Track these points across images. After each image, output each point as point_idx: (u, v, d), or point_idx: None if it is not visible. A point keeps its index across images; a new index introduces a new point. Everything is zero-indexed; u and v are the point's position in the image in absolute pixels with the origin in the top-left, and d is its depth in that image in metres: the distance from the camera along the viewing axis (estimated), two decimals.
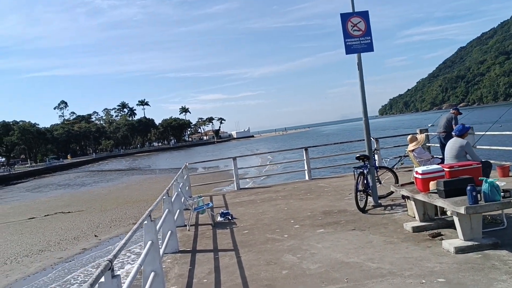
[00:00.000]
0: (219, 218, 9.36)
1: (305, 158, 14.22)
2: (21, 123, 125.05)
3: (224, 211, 9.55)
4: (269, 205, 10.57)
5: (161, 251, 6.17)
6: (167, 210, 6.82)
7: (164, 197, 6.96)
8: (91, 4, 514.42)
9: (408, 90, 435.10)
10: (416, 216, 6.99)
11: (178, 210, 8.80)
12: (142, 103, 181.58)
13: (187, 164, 13.70)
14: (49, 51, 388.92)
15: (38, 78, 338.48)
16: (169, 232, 6.76)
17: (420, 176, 6.48)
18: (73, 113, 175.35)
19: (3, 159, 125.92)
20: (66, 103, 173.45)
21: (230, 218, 9.27)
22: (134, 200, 28.51)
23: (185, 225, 9.01)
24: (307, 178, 14.38)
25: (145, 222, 4.80)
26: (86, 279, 12.93)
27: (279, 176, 23.42)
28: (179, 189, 8.92)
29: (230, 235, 7.85)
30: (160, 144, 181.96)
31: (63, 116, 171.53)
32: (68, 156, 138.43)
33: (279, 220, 8.71)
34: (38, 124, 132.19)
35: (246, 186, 14.49)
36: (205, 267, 6.20)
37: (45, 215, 26.25)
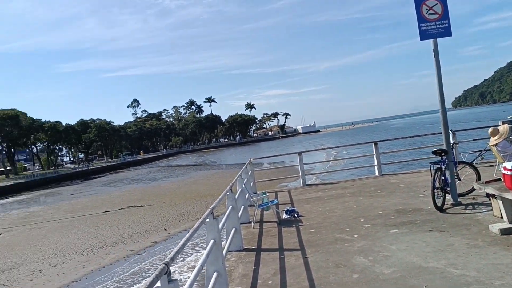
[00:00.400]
0: (284, 216, 9.05)
1: (374, 153, 13.50)
2: (97, 121, 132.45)
3: (290, 208, 9.21)
4: (337, 203, 10.10)
5: (225, 249, 5.98)
6: (230, 207, 6.63)
7: (228, 193, 6.77)
8: (160, 5, 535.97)
9: (485, 80, 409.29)
10: (504, 217, 6.22)
11: (242, 207, 8.61)
12: (209, 100, 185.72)
13: (251, 159, 13.54)
14: (124, 51, 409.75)
15: (113, 78, 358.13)
16: (233, 229, 6.56)
17: (509, 173, 5.75)
18: (145, 111, 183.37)
19: (82, 155, 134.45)
20: (138, 101, 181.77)
21: (296, 215, 8.93)
22: (201, 195, 28.92)
23: (250, 222, 8.81)
24: (376, 174, 13.67)
25: (207, 220, 4.61)
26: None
27: (347, 172, 22.59)
28: (243, 185, 8.73)
29: (296, 234, 7.52)
30: (226, 140, 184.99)
31: (135, 114, 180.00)
32: (141, 152, 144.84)
33: (348, 219, 8.25)
34: (113, 122, 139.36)
35: (312, 182, 14.04)
36: (270, 267, 5.92)
37: (119, 209, 27.38)
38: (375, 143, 13.60)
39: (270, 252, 6.59)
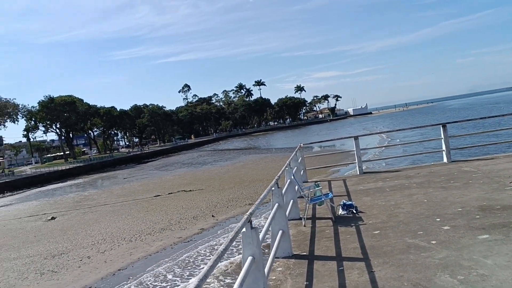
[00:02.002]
0: (340, 211, 7.75)
1: (442, 136, 11.71)
2: (150, 106, 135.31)
3: (347, 202, 7.87)
4: (402, 195, 8.62)
5: (271, 256, 4.88)
6: (276, 205, 5.46)
7: (273, 188, 5.60)
8: None
9: None
10: None
11: (291, 201, 7.41)
12: (258, 83, 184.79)
13: (301, 144, 12.18)
14: (175, 37, 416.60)
15: (165, 64, 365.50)
16: (280, 232, 5.40)
17: None
18: (195, 95, 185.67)
19: (137, 139, 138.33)
20: (189, 86, 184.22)
21: (354, 211, 7.62)
22: (250, 179, 28.32)
23: (300, 218, 7.59)
24: (445, 160, 11.92)
25: (244, 230, 3.50)
26: (202, 263, 12.53)
27: (408, 158, 20.80)
28: (292, 176, 7.49)
29: (357, 236, 6.23)
30: (275, 123, 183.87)
31: (186, 99, 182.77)
32: (192, 136, 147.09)
33: (419, 217, 6.80)
34: (164, 107, 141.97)
35: (370, 170, 12.54)
36: (326, 284, 4.70)
37: (169, 193, 27.39)
38: (444, 125, 11.76)
39: (325, 261, 5.34)
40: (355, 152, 12.13)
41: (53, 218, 24.46)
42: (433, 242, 5.49)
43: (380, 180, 10.71)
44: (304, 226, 7.25)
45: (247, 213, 3.56)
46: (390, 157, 18.51)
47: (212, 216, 18.16)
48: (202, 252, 13.48)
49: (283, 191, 6.40)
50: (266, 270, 4.24)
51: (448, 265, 4.68)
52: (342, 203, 7.86)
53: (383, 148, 29.63)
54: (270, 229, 5.19)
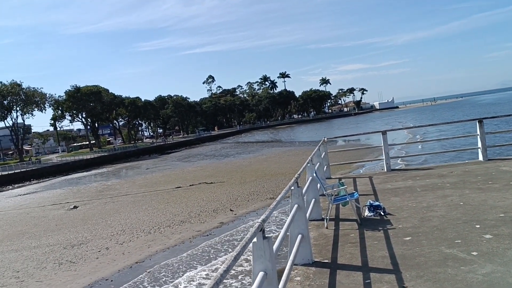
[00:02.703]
0: (366, 213, 7.10)
1: (478, 132, 10.82)
2: (174, 97, 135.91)
3: (374, 203, 7.20)
4: (434, 196, 7.89)
5: (289, 263, 4.34)
6: (296, 206, 4.88)
7: (292, 187, 5.03)
8: None
9: None
10: None
11: (313, 200, 6.82)
12: (283, 75, 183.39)
13: (325, 139, 11.50)
14: (201, 29, 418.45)
15: (190, 56, 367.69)
16: (299, 236, 4.83)
17: None
18: (220, 87, 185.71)
19: (161, 130, 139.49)
20: (213, 77, 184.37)
21: (382, 213, 6.95)
22: (272, 173, 27.95)
23: (322, 219, 6.99)
24: (481, 158, 11.08)
25: (254, 240, 2.96)
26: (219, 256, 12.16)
27: (439, 156, 19.83)
28: (314, 173, 6.88)
29: (385, 243, 5.58)
30: (300, 116, 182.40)
31: (210, 90, 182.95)
32: (215, 128, 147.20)
33: (455, 223, 6.10)
34: (188, 98, 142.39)
35: (398, 167, 11.74)
36: None
37: (190, 185, 27.30)
38: (480, 121, 10.85)
39: (350, 271, 4.72)
40: (383, 147, 11.39)
41: (75, 207, 24.66)
42: (474, 253, 4.80)
43: (409, 179, 9.96)
44: (327, 228, 6.63)
45: (259, 220, 3.02)
46: (419, 154, 17.58)
47: (231, 210, 17.85)
48: (217, 247, 13.20)
49: (304, 190, 5.83)
50: (283, 280, 3.71)
51: (494, 283, 4.00)
52: (368, 204, 7.20)
53: (412, 144, 28.57)
54: (288, 233, 4.63)
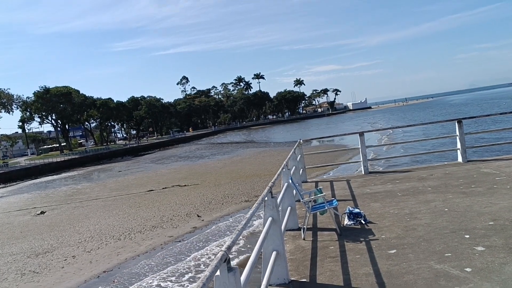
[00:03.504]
0: (346, 221, 6.58)
1: (457, 133, 10.48)
2: (148, 98, 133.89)
3: (354, 210, 6.70)
4: (416, 201, 7.45)
5: (263, 283, 3.78)
6: (269, 219, 4.30)
7: (266, 198, 4.46)
8: None
9: None
10: None
11: (288, 208, 6.26)
12: (258, 76, 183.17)
13: (301, 141, 10.98)
14: (175, 29, 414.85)
15: (164, 56, 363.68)
16: (274, 253, 4.25)
17: None
18: (194, 88, 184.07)
19: (135, 131, 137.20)
20: (187, 78, 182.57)
21: (363, 221, 6.45)
22: (247, 174, 27.66)
23: (299, 229, 6.44)
24: (460, 160, 10.77)
25: (218, 273, 2.37)
26: (194, 267, 11.57)
27: (417, 158, 19.71)
28: (290, 180, 6.32)
29: (368, 257, 5.06)
30: (274, 116, 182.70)
31: (185, 91, 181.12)
32: (190, 129, 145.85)
33: (442, 232, 5.63)
34: (162, 99, 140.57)
35: (376, 170, 11.30)
36: None
37: (163, 188, 26.73)
38: (459, 121, 10.55)
39: None
40: (360, 149, 10.96)
41: (42, 212, 23.74)
42: (468, 269, 4.31)
43: (388, 182, 9.53)
44: (304, 239, 6.06)
45: (224, 248, 2.43)
46: (397, 156, 17.32)
47: (198, 216, 17.31)
48: (188, 253, 12.53)
49: (279, 199, 5.28)
50: None
51: None
52: (348, 211, 6.69)
53: (389, 146, 28.42)
54: (262, 250, 4.06)
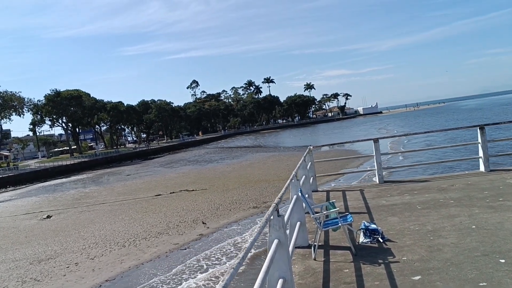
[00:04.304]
0: (362, 238, 5.93)
1: (480, 140, 9.75)
2: (158, 101, 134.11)
3: (370, 226, 6.02)
4: (438, 216, 6.75)
5: None
6: (275, 242, 3.64)
7: (272, 216, 3.83)
8: None
9: None
10: None
11: (298, 223, 5.64)
12: (268, 80, 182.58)
13: (311, 147, 10.33)
14: (185, 34, 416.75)
15: (174, 60, 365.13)
16: (280, 281, 3.64)
17: None
18: (204, 92, 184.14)
19: (145, 135, 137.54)
20: (197, 82, 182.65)
21: (380, 239, 5.79)
22: (256, 179, 27.26)
23: (309, 246, 5.80)
24: (482, 169, 10.04)
25: None
26: (196, 276, 11.05)
27: (434, 167, 18.63)
28: (299, 193, 5.67)
29: (389, 284, 4.40)
30: (284, 121, 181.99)
31: (195, 95, 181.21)
32: (200, 133, 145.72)
33: (472, 255, 4.95)
34: (172, 103, 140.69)
35: (392, 178, 10.56)
36: None
37: (170, 192, 26.45)
38: (481, 128, 9.82)
39: None
40: (375, 157, 10.27)
41: (48, 216, 23.48)
42: None
43: (406, 193, 8.82)
44: (315, 259, 5.41)
45: (224, 280, 1.83)
46: (414, 165, 16.48)
47: (203, 223, 16.81)
48: (193, 264, 12.03)
49: (287, 215, 4.67)
50: None
51: None
52: (363, 226, 6.03)
53: (401, 153, 27.48)
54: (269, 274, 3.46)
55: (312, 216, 5.43)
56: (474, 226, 5.98)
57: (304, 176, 7.96)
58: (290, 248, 5.10)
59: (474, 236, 5.56)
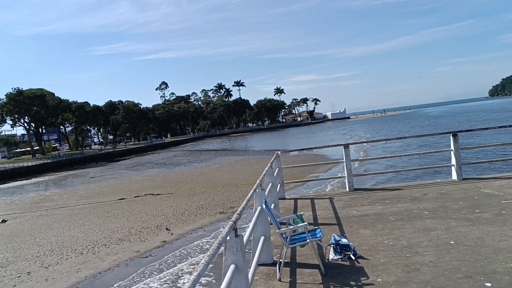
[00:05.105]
0: (332, 255, 5.34)
1: (452, 147, 9.40)
2: (126, 103, 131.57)
3: (340, 240, 5.45)
4: (413, 229, 6.26)
5: None
6: (231, 269, 2.96)
7: (229, 237, 3.17)
8: None
9: None
10: None
11: (262, 238, 5.02)
12: (238, 84, 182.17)
13: (279, 153, 9.71)
14: (156, 35, 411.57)
15: (145, 62, 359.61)
16: None
17: None
18: (173, 94, 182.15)
19: (111, 136, 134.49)
20: (166, 84, 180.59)
21: (352, 256, 5.23)
22: (224, 184, 26.79)
23: (274, 263, 5.17)
24: (455, 177, 9.67)
25: None
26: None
27: (405, 174, 18.33)
28: (264, 204, 5.03)
29: None
30: (254, 124, 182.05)
31: (164, 97, 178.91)
32: (168, 135, 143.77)
33: (454, 277, 4.43)
34: (140, 104, 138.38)
35: (362, 186, 10.12)
36: None
37: (135, 196, 25.82)
38: (454, 134, 9.45)
39: None
40: (345, 163, 9.77)
41: (3, 221, 22.37)
42: None
43: (377, 202, 8.33)
44: (279, 280, 4.79)
45: None
46: (385, 172, 16.14)
47: (167, 229, 16.18)
48: (156, 275, 11.27)
49: (250, 229, 4.04)
50: None
51: None
52: (333, 241, 5.46)
53: (374, 160, 27.26)
54: None
55: (277, 231, 4.82)
56: (452, 242, 5.49)
57: (270, 184, 7.38)
58: (253, 266, 4.50)
59: (454, 253, 5.06)
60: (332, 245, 5.37)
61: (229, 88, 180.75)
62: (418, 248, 5.38)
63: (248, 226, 4.79)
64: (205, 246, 13.55)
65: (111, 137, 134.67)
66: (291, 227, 4.81)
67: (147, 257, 13.24)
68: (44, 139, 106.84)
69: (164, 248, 14.01)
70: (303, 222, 5.10)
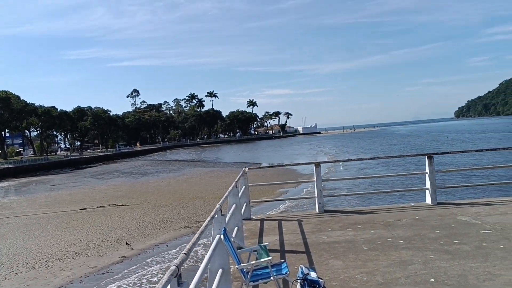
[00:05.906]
0: None
1: (427, 170, 8.94)
2: (94, 109, 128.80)
3: (309, 275, 4.65)
4: (388, 262, 5.69)
5: None
6: None
7: (168, 286, 2.48)
8: None
9: (489, 92, 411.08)
10: None
11: (219, 271, 4.33)
12: (211, 94, 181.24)
13: (246, 169, 9.03)
14: (130, 42, 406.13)
15: (117, 68, 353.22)
16: None
17: None
18: (144, 101, 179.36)
19: (79, 143, 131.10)
20: (138, 91, 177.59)
21: None
22: (191, 196, 26.05)
23: None
24: (429, 201, 9.24)
25: None
26: None
27: (376, 197, 17.59)
28: (222, 234, 4.30)
29: None
30: (226, 136, 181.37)
31: (135, 104, 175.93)
32: (138, 144, 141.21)
33: None
34: (110, 111, 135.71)
35: (332, 208, 9.54)
36: None
37: (97, 207, 24.81)
38: (430, 157, 9.05)
39: None
40: (315, 183, 9.19)
41: None
42: None
43: (349, 227, 7.75)
44: None
45: None
46: (358, 193, 15.65)
47: (127, 244, 15.31)
48: None
49: (205, 262, 3.37)
50: None
51: None
52: (301, 275, 4.77)
53: (343, 179, 26.78)
54: None
55: (236, 266, 4.15)
56: (432, 280, 4.92)
57: (234, 205, 6.71)
58: None
59: None
60: (299, 281, 4.71)
61: (202, 99, 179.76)
62: (395, 286, 4.75)
63: (204, 257, 4.12)
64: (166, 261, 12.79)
65: (79, 143, 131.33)
66: (253, 262, 4.15)
67: (103, 273, 12.38)
68: (8, 143, 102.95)
69: (123, 264, 13.16)
70: (267, 254, 4.43)
